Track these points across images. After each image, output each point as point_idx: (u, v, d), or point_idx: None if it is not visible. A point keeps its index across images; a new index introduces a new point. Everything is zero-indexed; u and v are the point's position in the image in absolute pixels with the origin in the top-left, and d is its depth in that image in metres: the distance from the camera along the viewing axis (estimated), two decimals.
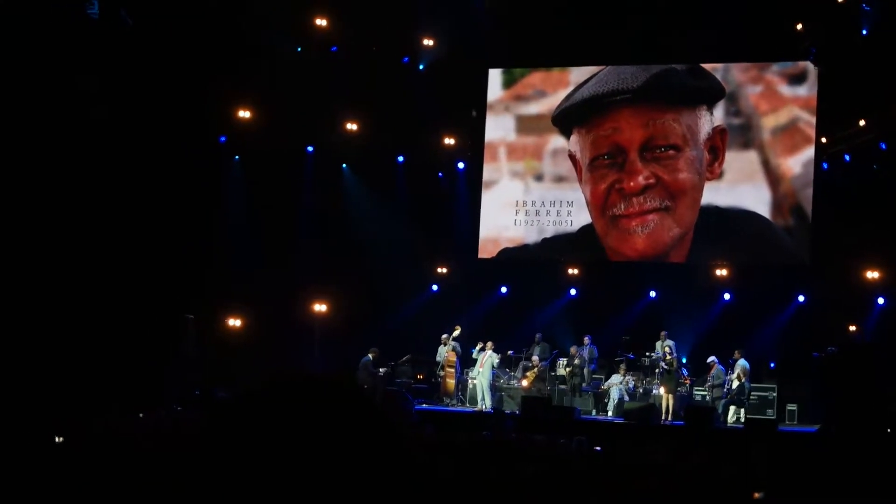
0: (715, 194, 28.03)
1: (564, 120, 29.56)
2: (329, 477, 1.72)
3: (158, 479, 9.04)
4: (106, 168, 25.68)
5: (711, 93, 28.33)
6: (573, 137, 29.38)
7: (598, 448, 14.25)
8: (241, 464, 1.73)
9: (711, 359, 25.94)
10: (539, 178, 30.04)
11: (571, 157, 29.33)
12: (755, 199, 27.92)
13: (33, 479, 8.04)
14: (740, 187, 27.99)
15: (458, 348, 27.69)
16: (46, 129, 24.32)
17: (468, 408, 26.64)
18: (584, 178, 29.10)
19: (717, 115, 28.21)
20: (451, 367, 27.46)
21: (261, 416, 1.79)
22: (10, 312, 23.08)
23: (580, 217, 29.13)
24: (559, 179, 29.70)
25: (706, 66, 28.53)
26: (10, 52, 23.39)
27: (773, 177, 27.94)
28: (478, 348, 27.30)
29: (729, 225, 27.95)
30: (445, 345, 27.65)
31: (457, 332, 27.78)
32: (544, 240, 29.65)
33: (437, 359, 27.85)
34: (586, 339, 27.28)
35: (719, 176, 28.06)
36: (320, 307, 29.24)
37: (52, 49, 24.26)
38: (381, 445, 1.81)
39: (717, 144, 28.08)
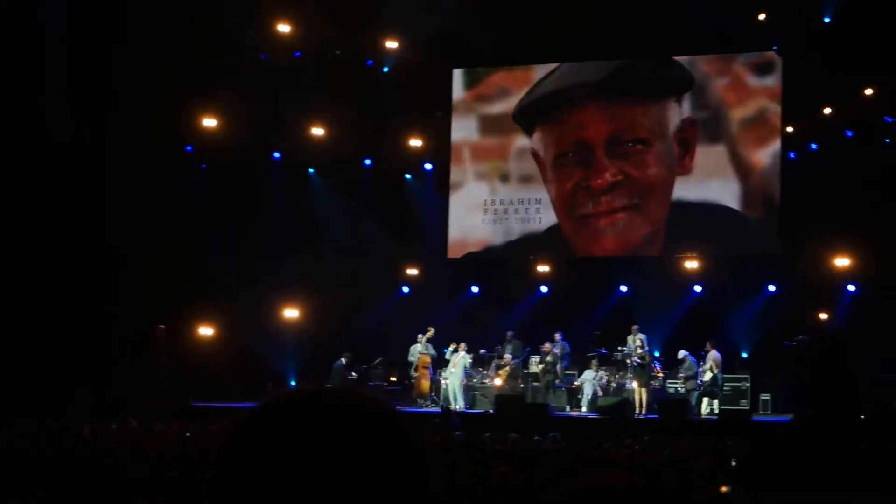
0: (684, 189, 27.90)
1: (526, 117, 29.27)
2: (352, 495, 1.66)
3: (135, 488, 8.98)
4: (73, 179, 25.66)
5: (679, 83, 27.96)
6: (536, 135, 29.16)
7: (563, 444, 14.25)
8: (265, 480, 1.67)
9: (682, 353, 25.93)
10: (505, 178, 29.80)
11: (535, 155, 29.08)
12: (725, 192, 27.72)
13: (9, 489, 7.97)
14: (710, 181, 27.78)
15: (432, 350, 27.62)
16: (13, 140, 24.32)
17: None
18: (549, 177, 28.88)
19: (685, 109, 28.03)
20: (425, 367, 27.39)
21: (289, 430, 1.70)
22: None
23: (548, 216, 28.99)
24: (526, 179, 29.44)
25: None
26: None
27: (743, 169, 27.73)
28: (451, 349, 27.27)
29: (699, 219, 27.80)
30: (420, 343, 27.52)
31: (430, 334, 27.70)
32: (512, 241, 29.51)
33: (410, 359, 27.73)
34: (557, 336, 27.12)
35: (691, 171, 27.88)
36: (291, 313, 29.23)
37: (15, 65, 24.23)
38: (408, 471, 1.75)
39: (688, 137, 27.75)
